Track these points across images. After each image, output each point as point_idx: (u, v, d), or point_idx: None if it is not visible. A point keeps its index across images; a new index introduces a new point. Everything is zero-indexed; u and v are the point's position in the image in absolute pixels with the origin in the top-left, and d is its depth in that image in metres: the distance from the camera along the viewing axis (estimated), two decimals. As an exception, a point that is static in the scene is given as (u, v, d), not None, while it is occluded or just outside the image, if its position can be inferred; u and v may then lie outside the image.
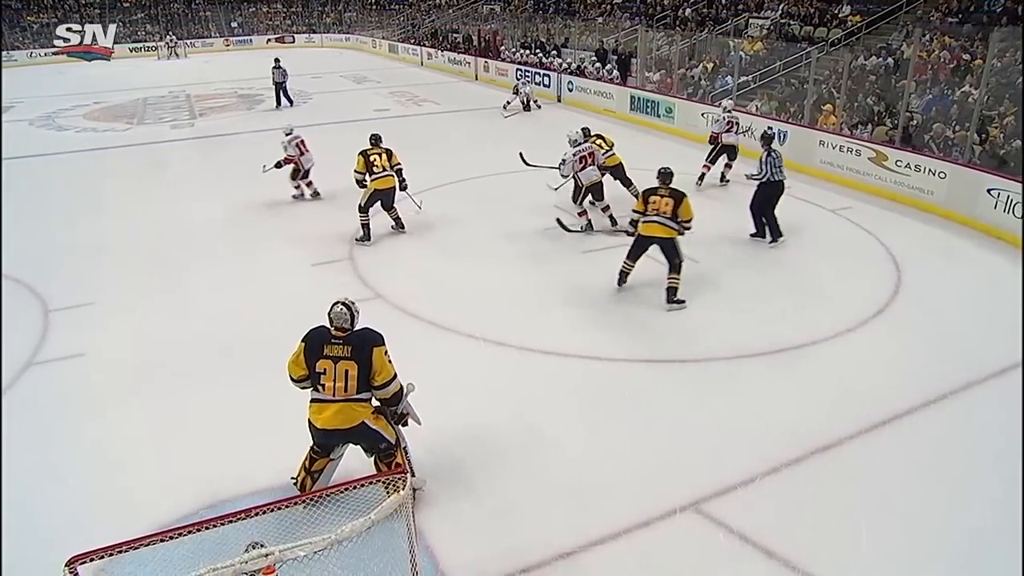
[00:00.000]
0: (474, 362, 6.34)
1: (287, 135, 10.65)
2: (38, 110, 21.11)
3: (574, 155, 8.99)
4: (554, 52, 21.43)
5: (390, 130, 16.23)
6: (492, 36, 26.02)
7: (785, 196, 8.78)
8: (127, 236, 9.43)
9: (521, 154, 9.36)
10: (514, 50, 23.53)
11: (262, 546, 2.82)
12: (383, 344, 4.23)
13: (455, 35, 29.20)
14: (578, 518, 4.44)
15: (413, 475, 4.50)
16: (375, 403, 4.27)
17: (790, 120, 13.03)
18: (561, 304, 7.32)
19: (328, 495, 3.29)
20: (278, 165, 10.70)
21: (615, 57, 18.90)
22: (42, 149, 15.73)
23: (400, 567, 3.57)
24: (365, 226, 9.03)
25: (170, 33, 39.17)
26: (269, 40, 42.05)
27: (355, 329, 4.23)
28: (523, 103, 18.13)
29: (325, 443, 4.34)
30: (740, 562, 4.11)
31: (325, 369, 4.15)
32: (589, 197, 9.24)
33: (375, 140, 9.15)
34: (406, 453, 4.46)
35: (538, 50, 22.04)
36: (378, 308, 7.15)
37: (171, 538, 3.05)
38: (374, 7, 41.26)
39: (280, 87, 19.29)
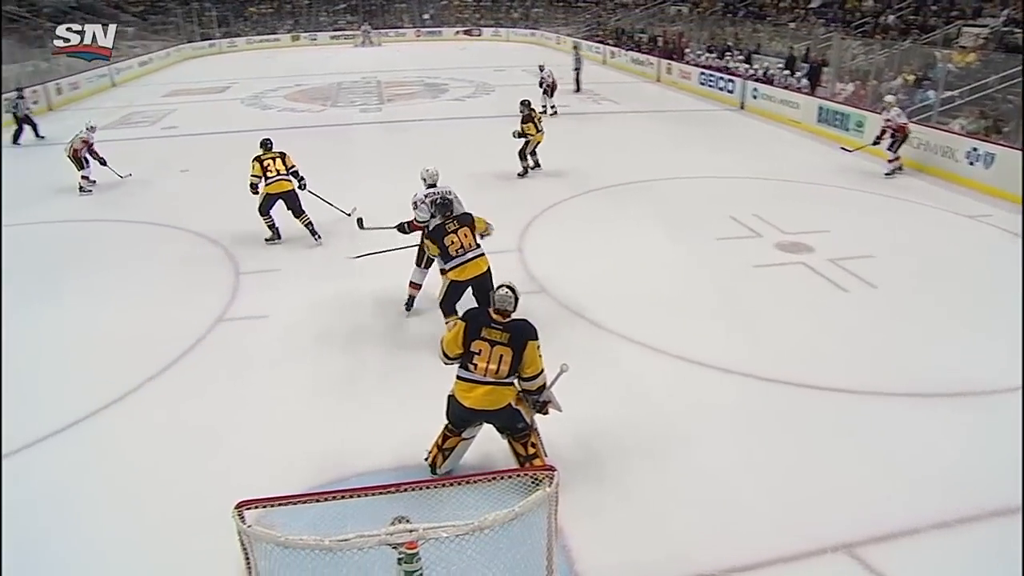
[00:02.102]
0: (631, 365, 6.22)
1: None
2: (249, 90, 23.15)
3: (424, 197, 6.94)
4: (741, 57, 20.67)
5: (567, 126, 16.51)
6: (677, 38, 25.51)
7: (991, 228, 7.97)
8: (314, 211, 10.08)
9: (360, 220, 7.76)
10: (699, 53, 22.94)
11: (407, 521, 2.91)
12: (537, 339, 4.33)
13: (640, 35, 28.89)
14: (720, 541, 4.24)
15: (546, 455, 4.56)
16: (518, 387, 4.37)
17: (1002, 142, 11.80)
18: (725, 317, 7.05)
19: (475, 481, 3.34)
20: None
21: (805, 65, 17.95)
22: (249, 125, 17.16)
23: (535, 561, 3.56)
24: (272, 227, 9.05)
25: (366, 22, 41.59)
26: (457, 32, 43.58)
27: (515, 315, 4.30)
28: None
29: (466, 421, 4.44)
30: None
31: (480, 350, 4.28)
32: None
33: (267, 145, 9.01)
34: (538, 437, 4.55)
35: (726, 54, 21.33)
36: (541, 303, 7.21)
37: (325, 499, 3.23)
38: (561, 3, 41.65)
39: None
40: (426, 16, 45.29)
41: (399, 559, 2.66)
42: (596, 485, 4.67)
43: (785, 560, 4.09)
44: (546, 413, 4.51)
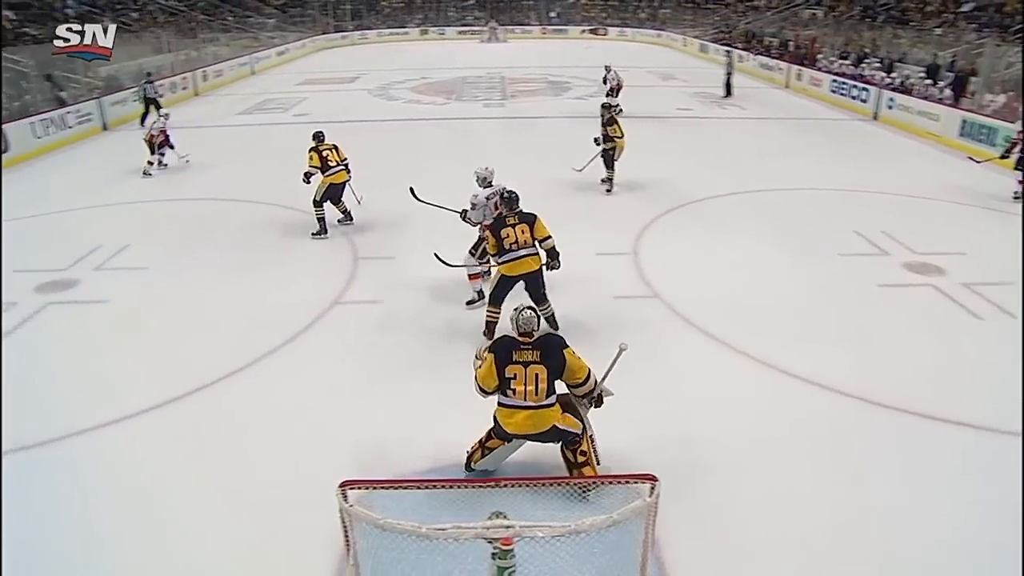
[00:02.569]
0: (740, 379, 6.02)
1: None
2: (377, 81, 23.94)
3: (487, 199, 7.08)
4: (878, 65, 19.63)
5: (690, 130, 16.22)
6: (810, 43, 24.51)
7: None
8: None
9: (412, 189, 8.04)
10: (832, 59, 21.96)
11: (505, 516, 2.94)
12: (568, 345, 4.36)
13: (771, 38, 27.95)
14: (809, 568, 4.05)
15: (598, 463, 4.50)
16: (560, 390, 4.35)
17: None
18: (845, 337, 6.68)
19: (575, 483, 3.33)
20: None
21: (950, 74, 16.84)
22: (375, 116, 17.81)
23: (628, 570, 3.53)
24: (321, 220, 9.13)
25: (493, 19, 42.19)
26: (583, 31, 43.51)
27: (539, 333, 4.34)
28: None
29: (511, 441, 4.47)
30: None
31: (515, 374, 4.24)
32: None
33: (321, 137, 9.18)
34: (592, 441, 4.51)
35: (862, 61, 20.32)
36: (654, 308, 7.12)
37: (426, 487, 3.31)
38: (689, 4, 40.87)
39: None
40: (552, 14, 45.46)
41: (493, 553, 2.69)
42: (699, 507, 4.49)
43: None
44: (600, 405, 4.50)
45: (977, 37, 18.27)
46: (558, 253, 6.38)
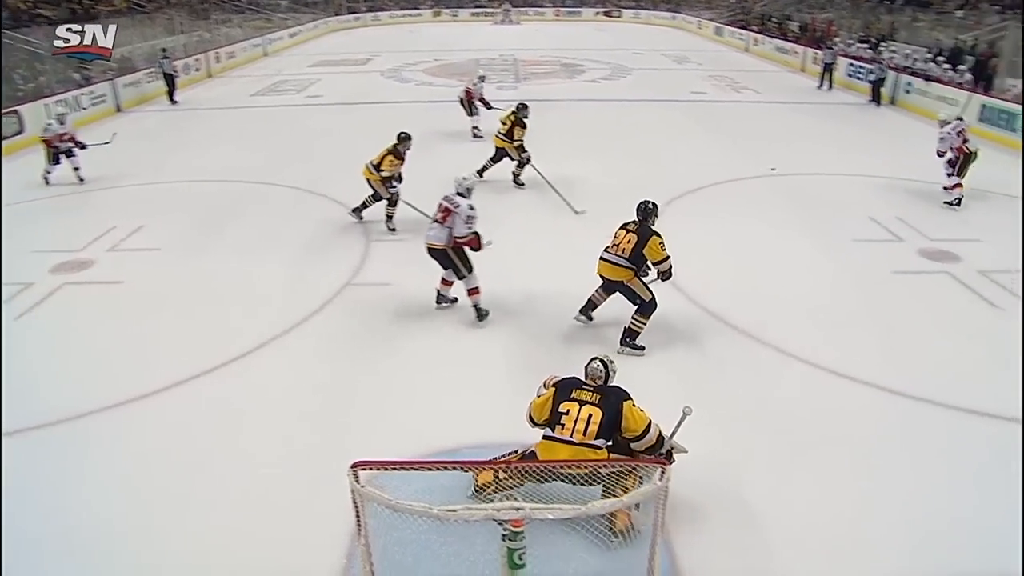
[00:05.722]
0: (755, 366, 6.00)
1: None
2: (390, 63, 23.87)
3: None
4: (892, 49, 19.33)
5: (703, 114, 16.09)
6: (827, 26, 24.22)
7: None
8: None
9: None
10: (849, 43, 21.67)
11: (515, 499, 2.95)
12: (631, 399, 4.13)
13: (789, 21, 27.63)
14: (832, 564, 4.02)
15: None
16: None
17: None
18: (859, 324, 6.64)
19: (586, 466, 3.34)
20: None
21: (971, 58, 16.58)
22: (387, 97, 17.78)
23: (638, 554, 3.54)
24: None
25: (507, 0, 41.92)
26: (597, 13, 43.20)
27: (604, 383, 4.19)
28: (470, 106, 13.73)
29: None
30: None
31: (568, 410, 4.07)
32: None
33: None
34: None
35: (880, 44, 20.03)
36: (666, 292, 7.07)
37: (438, 468, 3.32)
38: (705, -14, 40.48)
39: None
40: (566, -4, 45.14)
41: (503, 535, 2.70)
42: (710, 494, 4.47)
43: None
44: (672, 461, 4.15)
45: (1000, 20, 17.95)
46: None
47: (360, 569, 3.45)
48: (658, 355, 6.06)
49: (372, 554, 3.36)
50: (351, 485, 3.07)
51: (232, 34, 26.86)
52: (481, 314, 6.61)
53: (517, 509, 2.71)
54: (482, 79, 13.85)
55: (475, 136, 13.46)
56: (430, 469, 3.33)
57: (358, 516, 3.21)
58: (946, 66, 16.74)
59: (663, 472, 3.15)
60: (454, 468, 3.31)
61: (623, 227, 6.14)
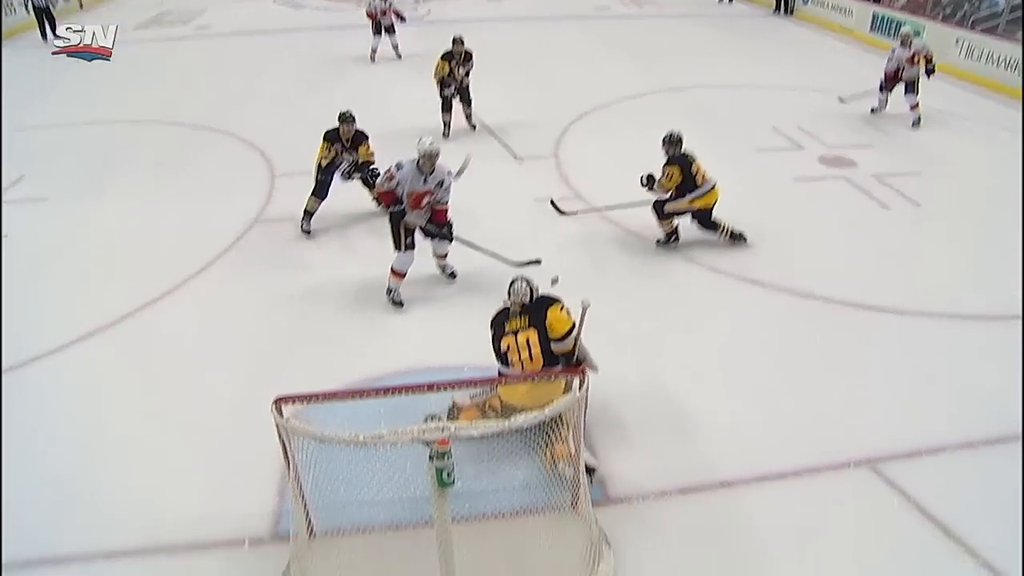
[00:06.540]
0: (663, 276, 6.20)
1: None
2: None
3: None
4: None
5: (608, 31, 15.95)
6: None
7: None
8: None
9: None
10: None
11: (440, 419, 2.99)
12: (559, 302, 4.12)
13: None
14: (744, 451, 4.29)
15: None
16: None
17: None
18: (761, 230, 6.80)
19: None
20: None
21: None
22: (279, 26, 16.91)
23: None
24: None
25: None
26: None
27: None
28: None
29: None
30: (911, 531, 3.78)
31: (508, 345, 4.06)
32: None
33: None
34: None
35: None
36: (577, 207, 7.16)
37: (360, 397, 3.33)
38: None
39: None
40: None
41: (431, 456, 2.74)
42: (629, 399, 4.66)
43: (809, 471, 4.14)
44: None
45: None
46: None
47: (292, 505, 3.46)
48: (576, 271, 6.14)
49: (303, 488, 3.37)
50: (275, 420, 3.05)
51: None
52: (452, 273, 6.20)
53: (442, 429, 2.75)
54: None
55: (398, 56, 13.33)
56: (353, 398, 3.33)
57: (286, 451, 3.20)
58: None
59: (582, 381, 3.24)
60: (378, 395, 3.32)
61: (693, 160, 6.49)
